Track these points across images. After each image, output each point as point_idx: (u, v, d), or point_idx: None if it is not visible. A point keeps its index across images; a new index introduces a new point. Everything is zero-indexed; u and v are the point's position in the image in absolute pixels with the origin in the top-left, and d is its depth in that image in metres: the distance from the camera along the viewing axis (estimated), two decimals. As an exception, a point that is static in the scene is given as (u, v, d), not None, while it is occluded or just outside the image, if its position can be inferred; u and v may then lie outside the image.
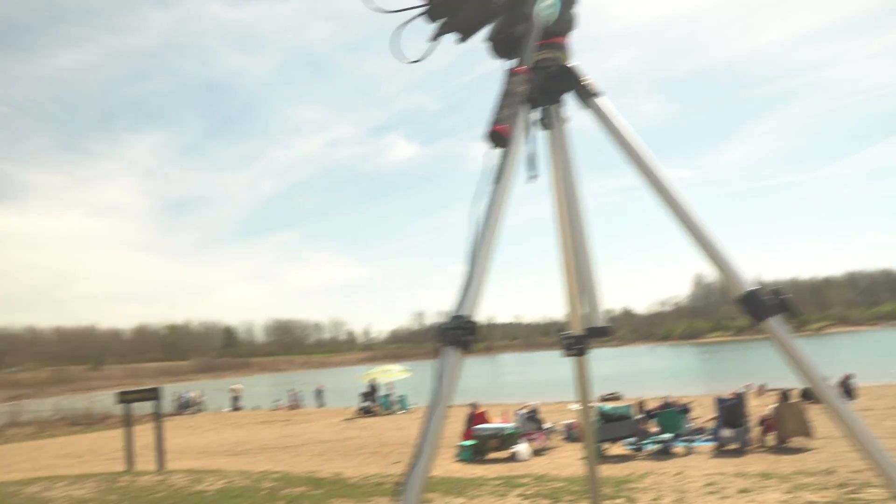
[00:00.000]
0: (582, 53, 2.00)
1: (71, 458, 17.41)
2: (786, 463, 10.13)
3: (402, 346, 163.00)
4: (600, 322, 1.85)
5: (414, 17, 1.99)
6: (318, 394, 35.79)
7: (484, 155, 1.78)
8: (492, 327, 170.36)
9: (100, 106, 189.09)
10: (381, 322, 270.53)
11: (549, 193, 2.16)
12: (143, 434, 18.97)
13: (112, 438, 21.67)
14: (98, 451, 18.99)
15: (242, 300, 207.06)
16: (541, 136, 2.03)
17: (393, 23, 2.00)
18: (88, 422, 28.23)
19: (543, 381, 45.11)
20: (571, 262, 2.13)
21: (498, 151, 1.78)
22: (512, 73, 1.70)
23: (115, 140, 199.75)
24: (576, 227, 1.91)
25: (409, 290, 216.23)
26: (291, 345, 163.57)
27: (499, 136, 1.59)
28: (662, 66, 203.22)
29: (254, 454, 16.01)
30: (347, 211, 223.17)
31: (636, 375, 41.20)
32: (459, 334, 1.60)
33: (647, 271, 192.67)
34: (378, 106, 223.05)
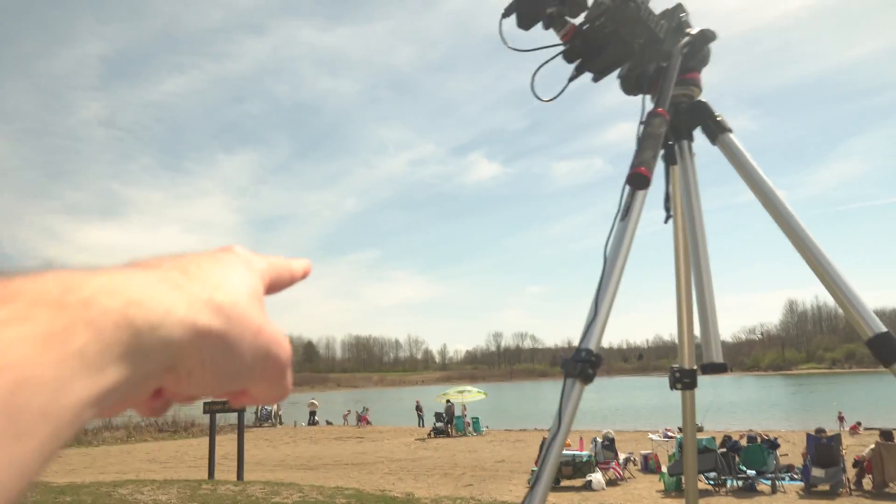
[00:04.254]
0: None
1: (156, 464, 18.16)
2: (883, 509, 9.46)
3: (478, 366, 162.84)
4: (715, 358, 1.80)
5: (552, 58, 2.01)
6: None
7: (624, 194, 1.80)
8: (569, 350, 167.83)
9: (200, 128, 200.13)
10: (458, 342, 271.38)
11: (672, 228, 2.15)
12: (224, 444, 19.61)
13: (195, 446, 22.50)
14: (182, 457, 19.74)
15: (323, 316, 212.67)
16: (674, 175, 2.04)
17: (530, 62, 2.03)
18: (174, 429, 29.41)
19: (621, 409, 43.96)
20: (688, 295, 2.13)
21: (628, 190, 1.79)
22: (652, 114, 1.70)
23: (212, 160, 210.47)
24: (697, 264, 1.88)
25: (486, 311, 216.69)
26: (369, 361, 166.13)
27: (640, 179, 1.60)
28: (755, 80, 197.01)
29: (328, 469, 16.26)
30: (428, 230, 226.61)
31: (720, 406, 39.51)
32: (583, 367, 1.63)
33: (734, 298, 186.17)
34: (461, 125, 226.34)
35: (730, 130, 1.89)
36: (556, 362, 1.75)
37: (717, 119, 1.91)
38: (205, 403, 14.68)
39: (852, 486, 11.23)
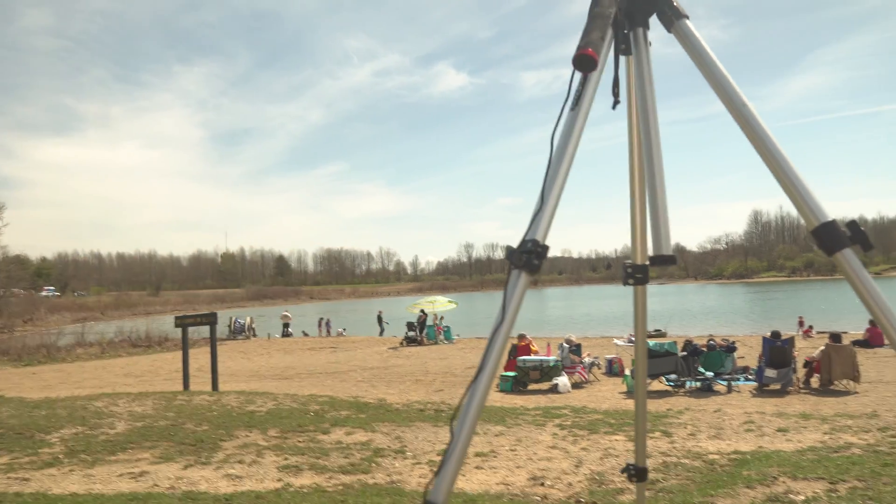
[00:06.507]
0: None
1: (132, 378, 18.38)
2: (828, 405, 10.04)
3: (449, 277, 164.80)
4: (664, 250, 1.81)
5: None
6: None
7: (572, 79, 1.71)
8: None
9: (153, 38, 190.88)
10: (430, 253, 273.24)
11: (626, 119, 2.11)
12: (198, 357, 19.84)
13: (169, 360, 22.75)
14: (156, 371, 19.99)
15: (293, 230, 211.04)
16: (629, 65, 1.97)
17: None
18: (148, 344, 29.60)
19: (588, 316, 45.22)
20: (642, 191, 2.09)
21: (578, 76, 1.71)
22: None
23: (168, 72, 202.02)
24: (650, 156, 1.86)
25: (457, 223, 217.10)
26: (341, 274, 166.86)
27: (587, 60, 1.53)
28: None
29: (302, 378, 16.62)
30: (395, 142, 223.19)
31: (683, 313, 40.89)
32: (528, 257, 1.59)
33: (701, 209, 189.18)
34: (426, 34, 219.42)
35: (686, 17, 1.83)
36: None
37: (674, 4, 1.84)
38: (176, 318, 14.75)
39: (801, 385, 11.87)
